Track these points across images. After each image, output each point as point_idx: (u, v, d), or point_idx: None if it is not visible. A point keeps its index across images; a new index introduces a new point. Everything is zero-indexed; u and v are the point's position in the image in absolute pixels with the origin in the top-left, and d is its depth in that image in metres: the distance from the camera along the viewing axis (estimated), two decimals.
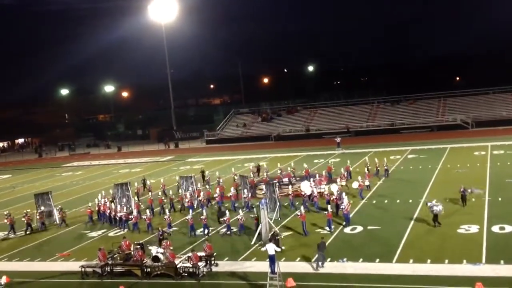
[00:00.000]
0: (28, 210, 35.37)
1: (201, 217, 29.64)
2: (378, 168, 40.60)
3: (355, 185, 34.86)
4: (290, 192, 33.81)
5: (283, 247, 25.16)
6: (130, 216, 32.74)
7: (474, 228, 26.09)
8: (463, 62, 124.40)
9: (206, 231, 29.38)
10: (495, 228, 25.76)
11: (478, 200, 31.12)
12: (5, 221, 34.42)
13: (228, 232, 28.88)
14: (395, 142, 62.17)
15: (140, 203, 36.82)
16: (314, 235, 27.00)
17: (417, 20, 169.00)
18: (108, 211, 34.22)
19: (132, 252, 24.83)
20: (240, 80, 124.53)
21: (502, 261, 21.53)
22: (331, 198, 31.34)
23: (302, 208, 29.73)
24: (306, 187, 33.84)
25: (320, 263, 22.58)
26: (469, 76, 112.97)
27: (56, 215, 35.94)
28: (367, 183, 36.01)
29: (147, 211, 32.84)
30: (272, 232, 26.20)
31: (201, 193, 36.78)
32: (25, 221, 34.05)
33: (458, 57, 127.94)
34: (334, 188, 33.22)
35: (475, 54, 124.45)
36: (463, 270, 21.09)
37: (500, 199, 31.09)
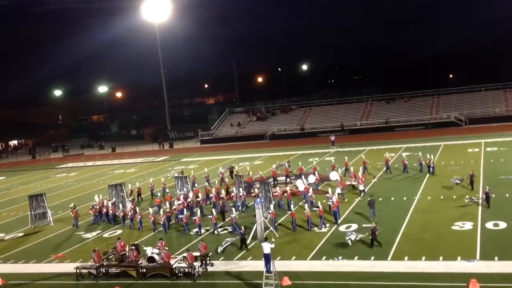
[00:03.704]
0: (95, 203, 35.29)
1: (210, 216, 29.47)
2: (429, 165, 40.13)
3: (300, 187, 34.45)
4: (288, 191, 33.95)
5: (273, 241, 24.50)
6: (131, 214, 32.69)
7: (468, 225, 26.21)
8: (456, 59, 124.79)
9: (216, 232, 29.19)
10: (489, 225, 25.89)
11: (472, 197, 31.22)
12: (71, 214, 34.74)
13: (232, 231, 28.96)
14: (389, 140, 62.34)
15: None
16: (302, 233, 27.54)
17: (410, 18, 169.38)
18: (109, 210, 34.32)
19: (127, 253, 24.79)
20: (235, 79, 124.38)
21: (496, 258, 21.65)
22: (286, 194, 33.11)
23: (334, 197, 29.62)
24: (335, 177, 37.30)
25: (372, 217, 27.95)
26: (462, 74, 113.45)
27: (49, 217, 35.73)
28: (361, 187, 35.15)
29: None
30: (267, 232, 26.11)
31: (212, 190, 35.35)
32: (92, 213, 34.52)
33: (451, 55, 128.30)
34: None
35: (468, 51, 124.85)
36: (458, 267, 21.19)
37: (493, 195, 31.14)
